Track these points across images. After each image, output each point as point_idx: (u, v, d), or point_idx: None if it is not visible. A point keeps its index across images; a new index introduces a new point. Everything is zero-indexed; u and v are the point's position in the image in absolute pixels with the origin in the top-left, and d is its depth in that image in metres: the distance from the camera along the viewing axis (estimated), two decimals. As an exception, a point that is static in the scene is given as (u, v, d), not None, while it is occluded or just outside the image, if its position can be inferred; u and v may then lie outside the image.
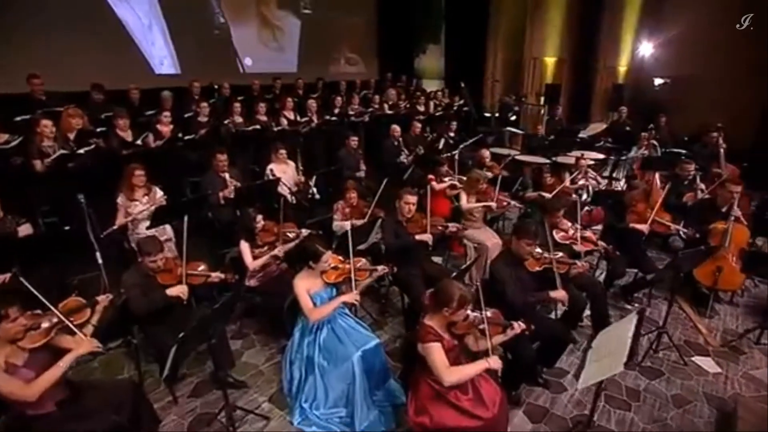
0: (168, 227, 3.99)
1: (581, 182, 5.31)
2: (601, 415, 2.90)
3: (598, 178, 5.65)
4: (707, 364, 3.42)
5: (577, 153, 7.11)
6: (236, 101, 6.02)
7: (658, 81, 10.30)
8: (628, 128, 7.82)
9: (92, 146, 4.74)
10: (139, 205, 3.90)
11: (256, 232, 3.47)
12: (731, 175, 5.68)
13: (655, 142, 6.47)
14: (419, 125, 6.96)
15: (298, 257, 2.85)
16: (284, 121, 6.28)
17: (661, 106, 9.92)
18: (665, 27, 10.11)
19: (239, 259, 3.51)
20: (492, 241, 4.33)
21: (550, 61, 10.69)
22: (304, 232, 3.63)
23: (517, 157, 7.10)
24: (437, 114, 8.03)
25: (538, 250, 2.93)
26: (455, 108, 8.59)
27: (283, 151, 5.21)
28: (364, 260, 3.01)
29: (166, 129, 5.33)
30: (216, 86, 6.68)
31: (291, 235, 3.56)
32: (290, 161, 5.36)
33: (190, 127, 5.54)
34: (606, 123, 9.31)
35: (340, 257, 2.88)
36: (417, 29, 10.46)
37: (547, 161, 6.92)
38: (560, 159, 6.82)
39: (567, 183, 4.87)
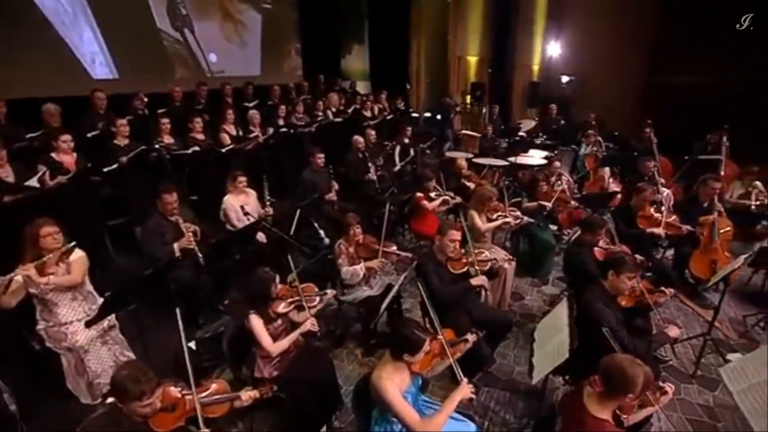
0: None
1: (559, 186, 5.27)
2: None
3: (571, 179, 5.70)
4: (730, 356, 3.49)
5: (535, 153, 7.28)
6: (163, 117, 4.66)
7: (565, 78, 11.19)
8: (562, 124, 8.24)
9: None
10: (54, 279, 2.64)
11: (272, 299, 2.55)
12: (663, 166, 6.24)
13: (600, 139, 6.81)
14: (373, 132, 6.33)
15: (392, 346, 2.07)
16: (226, 138, 5.11)
17: (568, 101, 10.86)
18: (566, 30, 11.03)
19: (239, 340, 2.56)
20: (510, 262, 3.95)
21: (473, 60, 10.90)
22: (329, 293, 2.81)
23: (474, 161, 6.95)
24: (389, 118, 7.46)
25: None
26: (401, 111, 8.11)
27: (243, 179, 4.18)
28: (447, 329, 2.34)
29: (69, 159, 3.87)
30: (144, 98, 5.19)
31: (315, 301, 2.71)
32: (250, 190, 4.34)
33: (103, 155, 4.12)
34: (534, 119, 9.79)
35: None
36: (341, 28, 9.72)
37: (506, 163, 6.89)
38: (519, 160, 6.85)
39: (560, 190, 4.73)
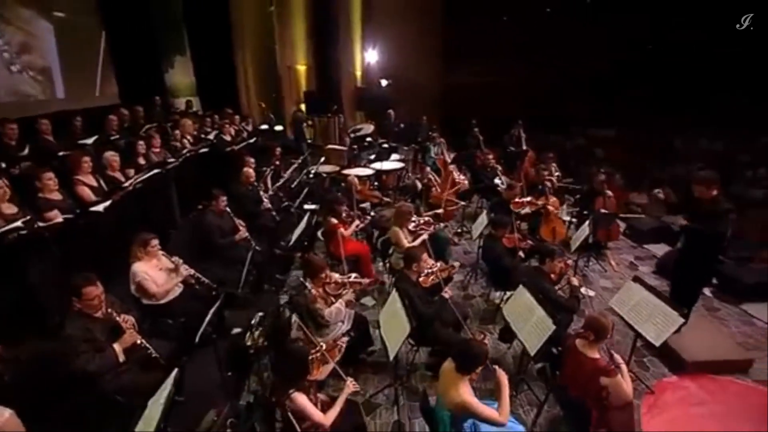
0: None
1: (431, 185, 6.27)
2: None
3: (438, 178, 6.77)
4: (586, 291, 5.09)
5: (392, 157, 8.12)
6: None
7: (384, 82, 12.57)
8: (402, 127, 9.42)
9: None
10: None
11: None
12: (494, 157, 8.03)
13: (443, 140, 8.17)
14: (253, 160, 6.02)
15: (462, 364, 2.37)
16: (88, 193, 4.10)
17: (389, 103, 12.34)
18: (379, 38, 12.36)
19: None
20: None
21: (302, 68, 11.11)
22: (344, 340, 2.87)
23: (343, 172, 7.34)
24: (251, 141, 7.05)
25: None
26: (262, 131, 7.75)
27: (155, 242, 3.57)
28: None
29: None
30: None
31: (336, 353, 2.75)
32: (161, 253, 3.73)
33: None
34: (371, 123, 10.75)
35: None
36: (159, 38, 8.42)
37: (372, 172, 7.53)
38: (384, 167, 7.58)
39: (445, 195, 5.66)
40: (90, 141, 5.11)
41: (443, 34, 12.71)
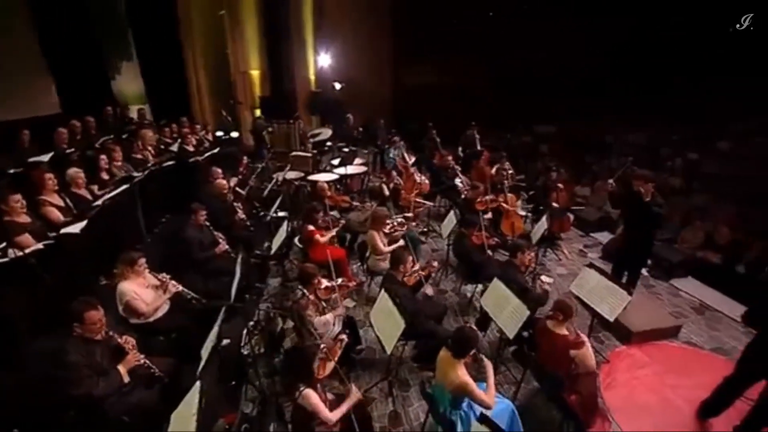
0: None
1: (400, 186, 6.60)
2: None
3: (402, 181, 7.08)
4: (546, 279, 5.63)
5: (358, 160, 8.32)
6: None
7: (338, 85, 12.67)
8: (360, 131, 9.64)
9: None
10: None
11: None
12: (451, 157, 8.45)
13: (403, 142, 8.49)
14: (220, 170, 5.98)
15: (458, 349, 2.67)
16: (56, 214, 3.95)
17: (343, 106, 12.47)
18: (332, 43, 12.43)
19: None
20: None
21: (256, 74, 10.96)
22: (343, 337, 3.10)
23: (310, 178, 7.45)
24: (214, 151, 6.92)
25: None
26: (223, 139, 7.62)
27: (142, 260, 3.56)
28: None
29: None
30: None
31: (338, 350, 2.96)
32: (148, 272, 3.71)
33: None
34: (328, 127, 10.85)
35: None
36: (102, 42, 7.96)
37: (336, 176, 7.70)
38: (348, 171, 7.76)
39: (413, 197, 5.99)
40: (46, 158, 4.85)
41: (394, 36, 13.05)
